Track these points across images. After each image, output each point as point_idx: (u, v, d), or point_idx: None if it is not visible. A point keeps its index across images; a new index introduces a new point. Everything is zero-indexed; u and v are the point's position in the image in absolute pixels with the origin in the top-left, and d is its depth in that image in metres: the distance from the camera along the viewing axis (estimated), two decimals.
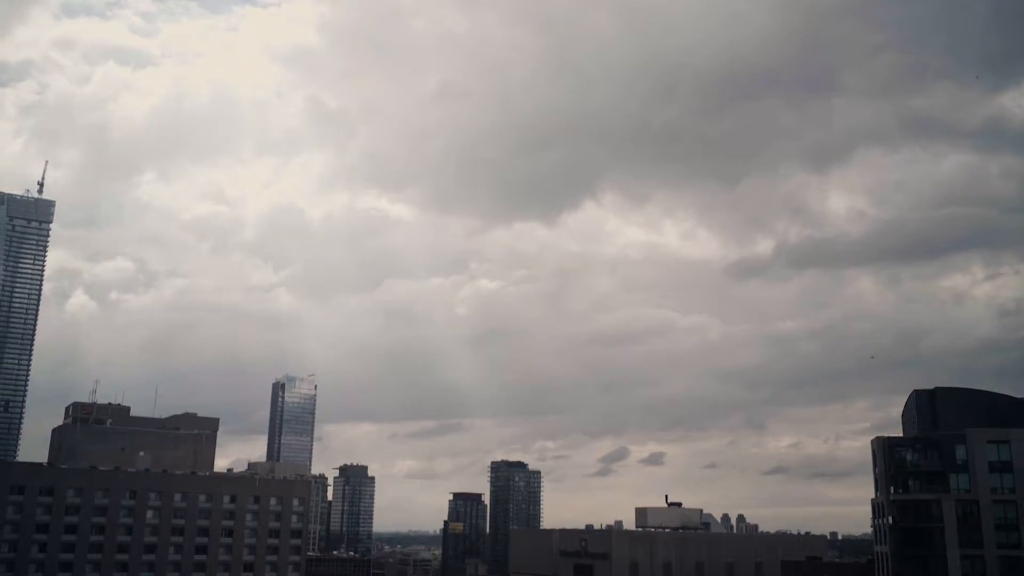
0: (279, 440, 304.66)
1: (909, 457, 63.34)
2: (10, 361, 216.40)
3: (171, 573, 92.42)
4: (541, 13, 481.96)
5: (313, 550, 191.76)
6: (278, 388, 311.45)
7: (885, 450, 64.04)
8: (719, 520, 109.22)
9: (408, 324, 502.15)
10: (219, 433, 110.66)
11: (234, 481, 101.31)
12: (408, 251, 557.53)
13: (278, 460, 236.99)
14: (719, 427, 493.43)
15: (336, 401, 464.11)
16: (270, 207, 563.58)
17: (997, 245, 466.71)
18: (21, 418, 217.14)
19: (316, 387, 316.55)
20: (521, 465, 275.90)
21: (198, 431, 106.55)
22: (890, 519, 62.21)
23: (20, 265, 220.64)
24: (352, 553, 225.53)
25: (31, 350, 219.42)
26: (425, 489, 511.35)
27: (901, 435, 67.96)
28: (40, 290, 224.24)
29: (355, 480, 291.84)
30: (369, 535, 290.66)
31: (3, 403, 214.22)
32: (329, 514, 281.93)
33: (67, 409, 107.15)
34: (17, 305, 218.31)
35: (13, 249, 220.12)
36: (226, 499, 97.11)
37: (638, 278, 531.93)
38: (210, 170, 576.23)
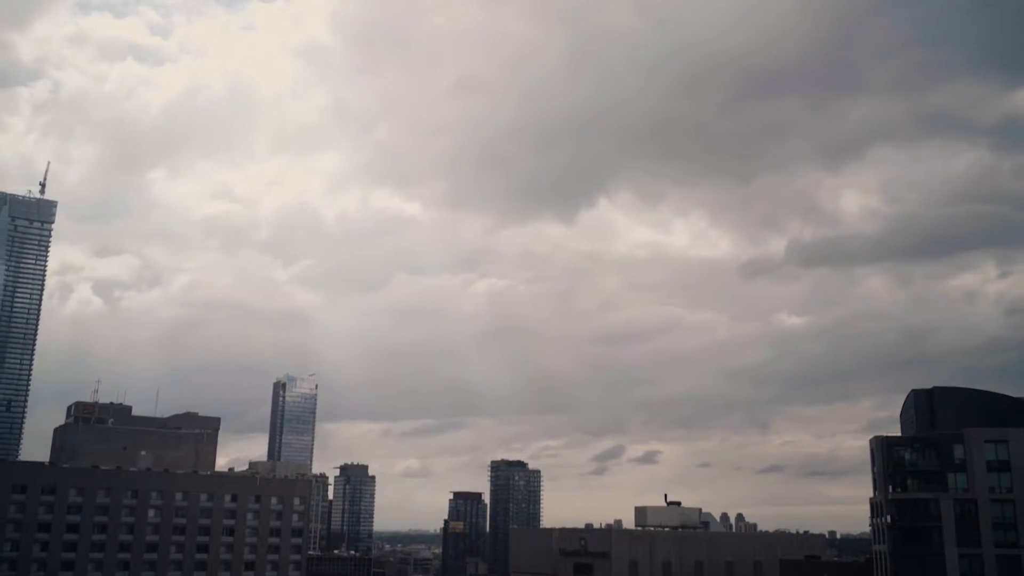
0: (280, 439, 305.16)
1: (907, 456, 63.61)
2: (12, 361, 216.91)
3: (173, 572, 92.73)
4: (560, 7, 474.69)
5: (314, 549, 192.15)
6: (279, 387, 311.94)
7: (883, 449, 64.30)
8: (718, 519, 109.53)
9: (414, 323, 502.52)
10: (220, 432, 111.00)
11: (235, 480, 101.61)
12: (420, 249, 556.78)
13: (279, 459, 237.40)
14: (722, 426, 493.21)
15: (337, 400, 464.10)
16: (282, 204, 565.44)
17: (1011, 243, 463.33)
18: (23, 417, 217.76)
19: (317, 386, 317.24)
20: (521, 464, 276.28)
21: (199, 430, 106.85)
22: (888, 518, 62.48)
23: (22, 265, 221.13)
24: (353, 552, 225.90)
25: (33, 350, 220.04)
26: (425, 488, 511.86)
27: (900, 435, 68.25)
28: (42, 290, 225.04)
29: (356, 479, 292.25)
30: (370, 534, 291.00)
31: (5, 402, 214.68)
32: (330, 513, 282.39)
33: (69, 409, 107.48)
34: (19, 305, 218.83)
35: (15, 249, 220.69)
36: (227, 498, 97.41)
37: (648, 277, 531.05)
38: (221, 167, 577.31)
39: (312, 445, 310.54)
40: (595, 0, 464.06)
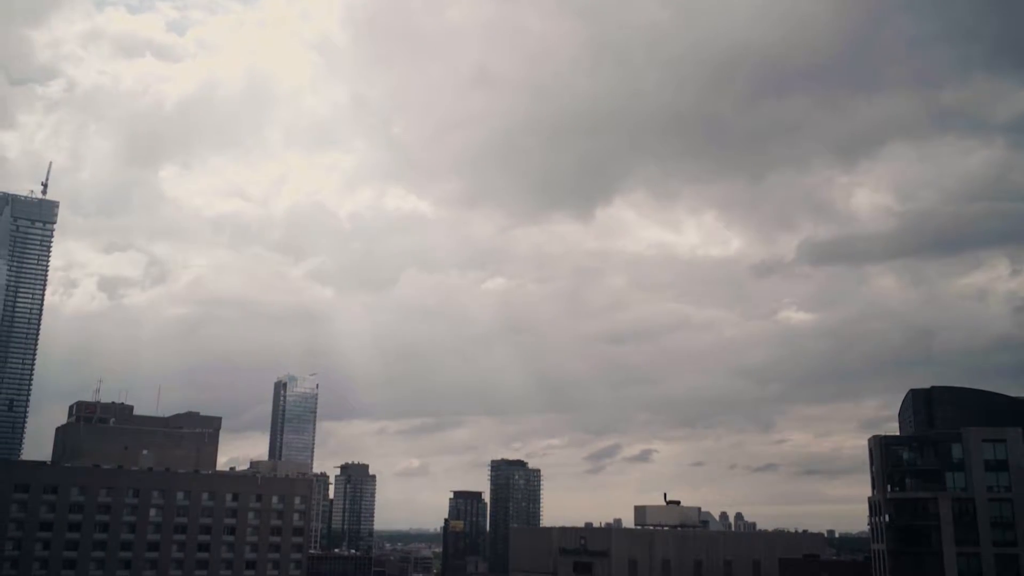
0: (281, 438, 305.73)
1: (906, 456, 63.91)
2: (14, 361, 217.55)
3: (174, 571, 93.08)
4: (578, 2, 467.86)
5: (315, 548, 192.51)
6: (280, 387, 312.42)
7: (882, 449, 64.58)
8: (717, 518, 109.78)
9: (420, 321, 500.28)
10: (222, 430, 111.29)
11: (236, 480, 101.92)
12: (431, 247, 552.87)
13: (280, 458, 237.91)
14: (725, 425, 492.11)
15: (339, 398, 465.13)
16: (293, 201, 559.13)
17: None
18: (25, 417, 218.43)
19: (318, 386, 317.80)
20: (521, 464, 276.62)
21: (201, 430, 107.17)
22: (887, 517, 62.74)
23: (24, 265, 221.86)
24: (353, 551, 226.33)
25: (35, 350, 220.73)
26: (426, 487, 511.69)
27: (898, 434, 68.47)
28: (44, 290, 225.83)
29: (356, 478, 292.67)
30: (370, 533, 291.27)
31: (7, 402, 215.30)
32: (331, 512, 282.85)
33: (71, 408, 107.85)
34: (21, 305, 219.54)
35: (17, 249, 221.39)
36: (229, 497, 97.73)
37: (658, 276, 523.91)
38: (232, 163, 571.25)
39: (313, 444, 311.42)
40: None
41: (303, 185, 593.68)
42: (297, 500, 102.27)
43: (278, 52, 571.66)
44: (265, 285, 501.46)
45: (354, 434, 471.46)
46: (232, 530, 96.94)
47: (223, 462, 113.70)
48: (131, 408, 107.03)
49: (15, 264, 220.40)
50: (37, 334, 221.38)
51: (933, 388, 67.76)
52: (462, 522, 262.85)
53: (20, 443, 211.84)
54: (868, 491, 67.11)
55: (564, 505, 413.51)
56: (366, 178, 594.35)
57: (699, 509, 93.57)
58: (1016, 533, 58.00)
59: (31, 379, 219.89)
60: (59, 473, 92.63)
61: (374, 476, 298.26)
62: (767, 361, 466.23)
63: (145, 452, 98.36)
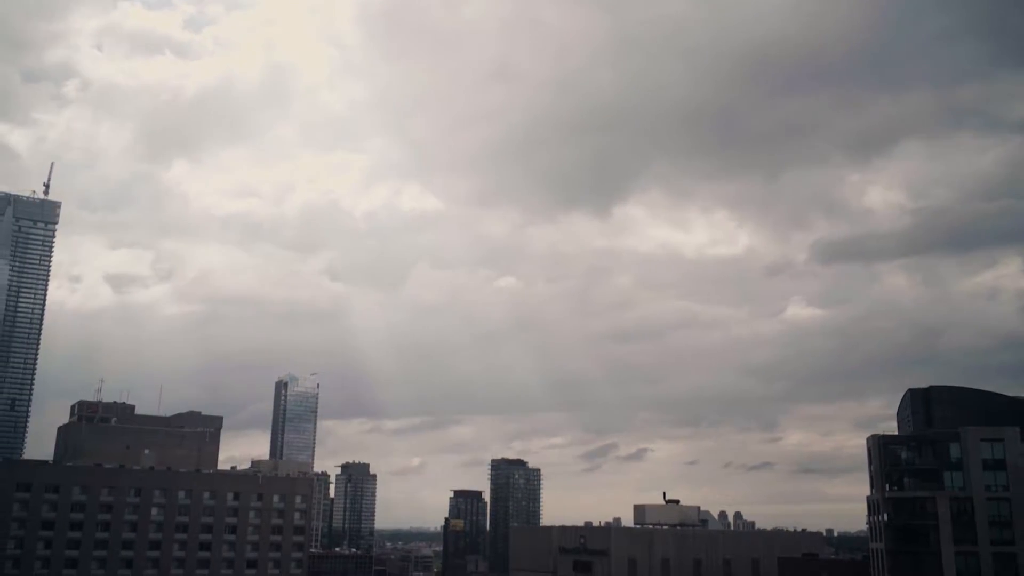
0: (282, 437, 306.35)
1: (904, 455, 64.14)
2: (16, 360, 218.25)
3: (175, 570, 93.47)
4: None
5: (316, 547, 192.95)
6: (281, 386, 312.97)
7: (880, 448, 64.81)
8: (716, 517, 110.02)
9: (427, 320, 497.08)
10: (223, 429, 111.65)
11: (238, 479, 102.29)
12: (443, 245, 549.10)
13: (281, 458, 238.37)
14: (729, 424, 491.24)
15: (341, 397, 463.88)
16: (306, 199, 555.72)
17: None
18: (27, 416, 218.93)
19: (319, 385, 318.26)
20: (521, 463, 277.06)
21: (202, 429, 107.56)
22: (885, 516, 62.96)
23: (26, 265, 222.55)
24: (354, 550, 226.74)
25: (37, 349, 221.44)
26: (426, 486, 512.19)
27: (896, 433, 68.72)
28: (46, 290, 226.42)
29: (357, 477, 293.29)
30: (371, 532, 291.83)
31: (9, 401, 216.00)
32: (331, 511, 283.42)
33: (73, 407, 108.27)
34: (23, 305, 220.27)
35: (19, 250, 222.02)
36: (230, 496, 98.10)
37: (668, 274, 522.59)
38: (244, 161, 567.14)
39: (314, 443, 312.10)
40: None
41: (316, 182, 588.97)
42: (298, 499, 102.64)
43: (294, 48, 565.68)
44: (274, 283, 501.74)
45: (355, 433, 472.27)
46: (233, 529, 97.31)
47: (224, 459, 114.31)
48: (133, 408, 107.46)
49: (17, 264, 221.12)
50: (39, 334, 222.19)
51: (931, 387, 67.96)
52: (462, 521, 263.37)
53: (22, 442, 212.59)
54: (867, 490, 67.43)
55: (564, 504, 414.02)
56: (381, 176, 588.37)
57: (698, 508, 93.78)
58: (1014, 532, 58.19)
59: (33, 379, 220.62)
60: (61, 472, 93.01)
61: (374, 475, 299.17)
62: (773, 360, 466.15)
63: (147, 451, 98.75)
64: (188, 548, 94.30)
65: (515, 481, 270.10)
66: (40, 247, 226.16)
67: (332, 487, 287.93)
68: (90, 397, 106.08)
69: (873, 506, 66.39)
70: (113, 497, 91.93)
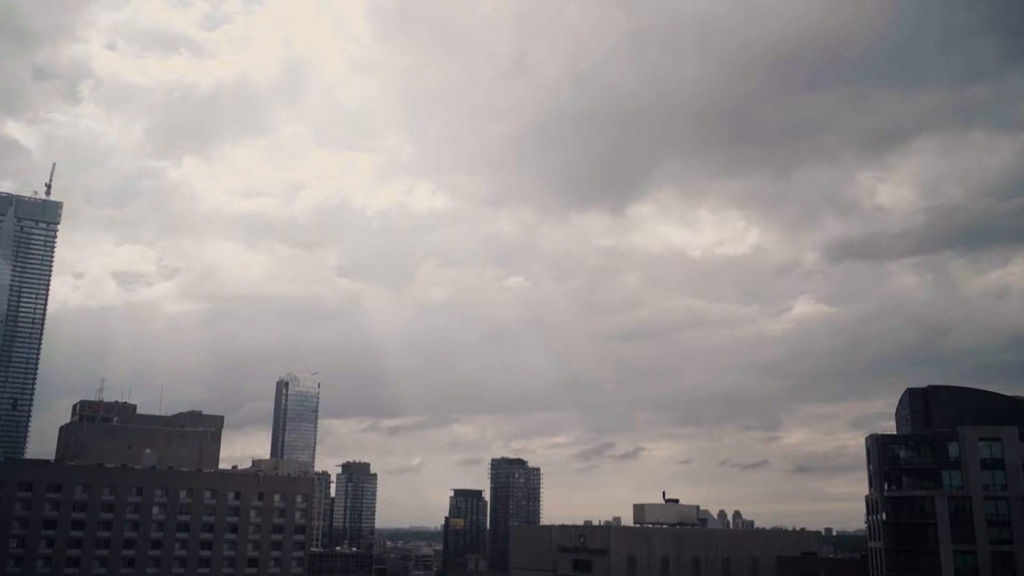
0: (283, 437, 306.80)
1: (902, 454, 64.46)
2: (18, 360, 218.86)
3: (177, 568, 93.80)
4: None
5: (316, 546, 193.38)
6: (282, 386, 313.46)
7: (879, 447, 65.08)
8: (716, 516, 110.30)
9: (431, 320, 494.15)
10: (225, 427, 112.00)
11: (239, 478, 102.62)
12: (455, 244, 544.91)
13: (282, 457, 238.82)
14: (732, 423, 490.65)
15: (342, 396, 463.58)
16: (316, 197, 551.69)
17: None
18: (29, 416, 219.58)
19: (319, 385, 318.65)
20: (521, 462, 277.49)
21: (203, 429, 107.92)
22: (884, 515, 63.25)
23: (28, 265, 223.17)
24: (355, 549, 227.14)
25: (39, 349, 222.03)
26: (427, 485, 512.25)
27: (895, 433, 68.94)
28: (48, 290, 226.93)
29: (357, 476, 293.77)
30: (371, 531, 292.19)
31: (11, 401, 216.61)
32: (332, 510, 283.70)
33: (74, 407, 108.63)
34: (25, 305, 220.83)
35: (21, 250, 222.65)
36: (231, 496, 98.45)
37: (678, 273, 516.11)
38: (254, 159, 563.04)
39: (315, 443, 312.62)
40: None
41: (326, 180, 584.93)
42: (299, 498, 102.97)
43: (307, 46, 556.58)
44: (281, 281, 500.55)
45: (356, 432, 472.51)
46: (235, 528, 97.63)
47: (224, 458, 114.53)
48: (134, 407, 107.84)
49: (19, 264, 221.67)
50: (41, 334, 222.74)
51: (929, 387, 68.20)
52: (463, 520, 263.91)
53: (24, 442, 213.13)
54: (866, 490, 67.65)
55: (564, 503, 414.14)
56: (392, 173, 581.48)
57: (697, 507, 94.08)
58: (1012, 531, 58.47)
59: (35, 378, 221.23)
60: (63, 472, 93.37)
61: (375, 474, 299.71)
62: (779, 359, 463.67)
63: (148, 451, 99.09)
64: (189, 547, 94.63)
65: (515, 480, 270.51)
66: (42, 247, 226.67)
67: (333, 486, 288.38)
68: (92, 397, 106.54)
69: (872, 505, 66.66)
70: (115, 496, 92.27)
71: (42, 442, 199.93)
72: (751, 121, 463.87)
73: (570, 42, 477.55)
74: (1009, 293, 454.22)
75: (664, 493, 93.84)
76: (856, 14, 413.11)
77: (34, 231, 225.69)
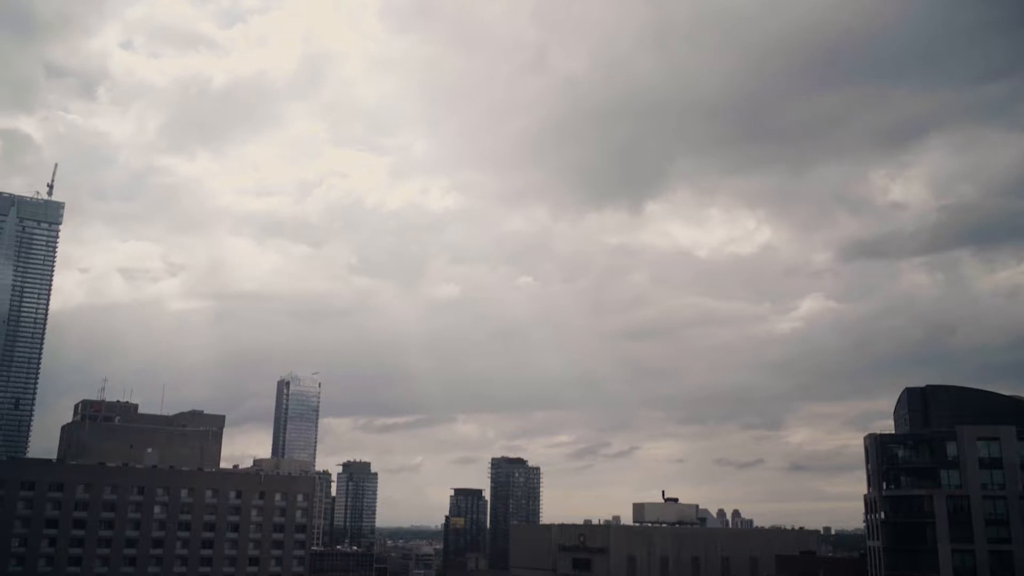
0: (284, 436, 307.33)
1: (901, 453, 64.67)
2: (20, 360, 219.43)
3: (178, 567, 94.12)
4: None
5: (317, 545, 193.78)
6: (283, 385, 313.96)
7: (878, 446, 65.30)
8: (715, 515, 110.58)
9: (437, 319, 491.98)
10: (227, 426, 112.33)
11: (240, 478, 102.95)
12: (466, 242, 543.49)
13: (283, 456, 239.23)
14: (735, 422, 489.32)
15: (344, 395, 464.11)
16: (327, 196, 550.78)
17: None
18: (31, 415, 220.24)
19: (320, 384, 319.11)
20: (521, 462, 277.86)
21: (204, 428, 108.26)
22: (882, 514, 63.48)
23: (30, 265, 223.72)
24: (355, 548, 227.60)
25: (41, 349, 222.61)
26: (427, 485, 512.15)
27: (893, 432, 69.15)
28: (50, 290, 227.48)
29: (358, 476, 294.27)
30: (372, 530, 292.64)
31: (14, 400, 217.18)
32: (333, 509, 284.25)
33: (76, 407, 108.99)
34: (27, 305, 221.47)
35: (23, 250, 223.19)
36: (232, 495, 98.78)
37: (688, 271, 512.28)
38: (262, 156, 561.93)
39: (315, 442, 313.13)
40: None
41: (339, 178, 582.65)
42: (300, 497, 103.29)
43: (322, 43, 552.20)
44: (289, 279, 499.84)
45: (356, 431, 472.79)
46: (236, 527, 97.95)
47: (226, 456, 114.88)
48: (136, 407, 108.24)
49: (21, 264, 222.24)
50: (43, 334, 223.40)
51: (928, 387, 68.38)
52: (463, 519, 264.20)
53: (26, 441, 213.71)
54: (865, 489, 67.86)
55: (564, 502, 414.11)
56: (406, 172, 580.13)
57: (697, 506, 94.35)
58: (1010, 530, 58.65)
59: (37, 378, 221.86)
60: (65, 471, 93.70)
61: (376, 473, 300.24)
62: (788, 357, 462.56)
63: (149, 450, 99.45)
64: (191, 546, 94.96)
65: (515, 480, 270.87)
66: (44, 247, 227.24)
67: (334, 485, 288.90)
68: (94, 396, 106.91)
69: (870, 504, 66.88)
70: (116, 495, 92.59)
71: (44, 441, 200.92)
72: (766, 118, 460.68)
73: (588, 36, 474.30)
74: (1020, 292, 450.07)
75: (663, 492, 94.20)
76: (872, 11, 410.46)
77: (36, 231, 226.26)
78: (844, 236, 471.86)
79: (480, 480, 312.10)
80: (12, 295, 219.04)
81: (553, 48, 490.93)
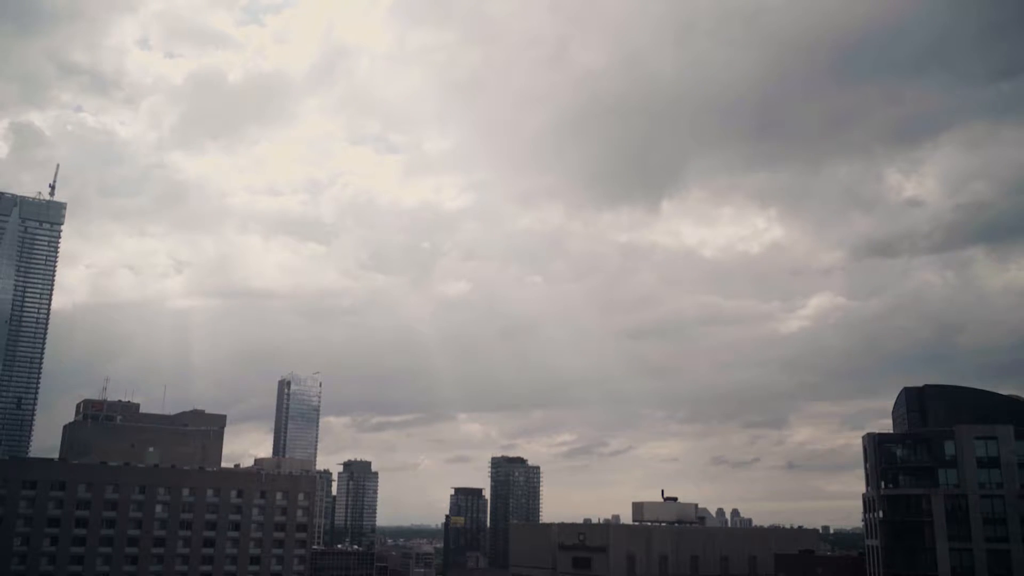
0: (285, 436, 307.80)
1: (899, 453, 64.94)
2: (22, 359, 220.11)
3: (179, 566, 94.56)
4: None
5: (318, 544, 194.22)
6: (284, 385, 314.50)
7: (876, 446, 65.58)
8: (714, 514, 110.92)
9: (441, 318, 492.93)
10: (228, 425, 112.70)
11: (241, 477, 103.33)
12: (476, 241, 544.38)
13: (284, 455, 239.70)
14: (738, 421, 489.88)
15: (345, 394, 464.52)
16: (339, 193, 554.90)
17: None
18: (33, 414, 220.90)
19: (321, 384, 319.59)
20: (521, 461, 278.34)
21: (206, 428, 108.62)
22: (881, 513, 63.76)
23: (32, 265, 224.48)
24: (356, 547, 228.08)
25: (43, 348, 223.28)
26: (427, 484, 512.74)
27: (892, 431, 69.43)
28: (52, 290, 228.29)
29: (359, 475, 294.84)
30: (372, 529, 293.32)
31: (16, 400, 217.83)
32: (333, 508, 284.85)
33: (78, 406, 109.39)
34: (29, 305, 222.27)
35: (25, 250, 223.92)
36: (233, 494, 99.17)
37: (698, 270, 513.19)
38: (270, 154, 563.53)
39: (316, 441, 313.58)
40: None
41: (350, 176, 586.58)
42: (300, 497, 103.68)
43: (336, 41, 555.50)
44: (296, 277, 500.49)
45: (357, 430, 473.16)
46: (237, 526, 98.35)
47: (227, 454, 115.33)
48: (137, 406, 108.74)
49: (23, 265, 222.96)
50: (45, 333, 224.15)
51: (926, 386, 68.55)
52: (463, 518, 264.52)
53: (28, 440, 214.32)
54: (863, 487, 68.13)
55: (564, 501, 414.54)
56: (419, 169, 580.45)
57: (696, 505, 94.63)
58: (1008, 529, 58.91)
59: (39, 377, 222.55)
60: (67, 470, 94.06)
61: (376, 473, 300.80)
62: (794, 356, 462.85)
63: (151, 449, 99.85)
64: (192, 545, 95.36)
65: (515, 479, 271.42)
66: (46, 247, 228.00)
67: (334, 484, 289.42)
68: (96, 395, 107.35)
69: (869, 503, 67.15)
70: (118, 495, 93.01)
71: (46, 440, 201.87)
72: (781, 115, 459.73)
73: (607, 30, 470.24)
74: None
75: (663, 491, 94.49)
76: (887, 9, 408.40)
77: (38, 232, 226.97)
78: (857, 234, 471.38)
79: (480, 479, 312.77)
80: (15, 295, 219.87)
81: (571, 43, 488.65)
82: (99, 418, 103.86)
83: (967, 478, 60.37)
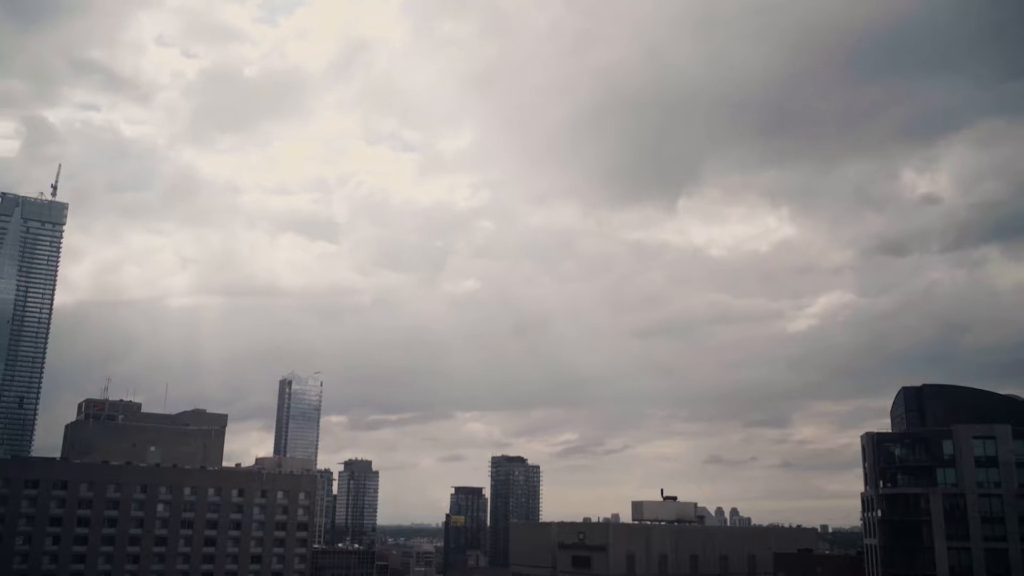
0: (286, 435, 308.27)
1: (897, 452, 65.13)
2: (24, 359, 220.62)
3: (181, 565, 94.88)
4: None
5: (319, 543, 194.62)
6: (285, 384, 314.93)
7: (874, 445, 65.78)
8: (713, 513, 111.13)
9: (445, 317, 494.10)
10: (230, 423, 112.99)
11: (242, 476, 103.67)
12: (485, 240, 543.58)
13: (285, 455, 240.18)
14: (740, 421, 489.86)
15: (345, 393, 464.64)
16: (350, 192, 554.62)
17: None
18: (35, 414, 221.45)
19: (322, 384, 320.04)
20: (521, 460, 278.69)
21: (207, 427, 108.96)
22: (879, 512, 63.97)
23: (34, 265, 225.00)
24: (356, 546, 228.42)
25: (45, 348, 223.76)
26: (428, 483, 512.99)
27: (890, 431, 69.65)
28: (53, 290, 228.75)
29: (359, 474, 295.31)
30: (373, 528, 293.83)
31: (18, 399, 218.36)
32: (334, 507, 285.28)
33: (80, 406, 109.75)
34: (31, 305, 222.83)
35: (27, 250, 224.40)
36: (234, 493, 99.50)
37: (708, 269, 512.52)
38: (282, 151, 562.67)
39: (317, 440, 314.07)
40: None
41: (362, 174, 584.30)
42: (301, 496, 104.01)
43: (351, 39, 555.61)
44: (304, 275, 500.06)
45: (358, 429, 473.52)
46: (238, 525, 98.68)
47: (228, 452, 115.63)
48: (139, 405, 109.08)
49: (25, 265, 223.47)
50: (47, 333, 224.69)
51: (924, 386, 68.75)
52: (463, 517, 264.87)
53: (30, 439, 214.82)
54: (862, 487, 68.34)
55: (563, 500, 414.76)
56: (433, 167, 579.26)
57: (695, 504, 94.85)
58: (1006, 528, 59.12)
59: (41, 377, 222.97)
60: (68, 469, 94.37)
61: (377, 472, 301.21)
62: (800, 355, 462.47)
63: (153, 449, 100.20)
64: (193, 544, 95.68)
65: (515, 478, 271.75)
66: (48, 247, 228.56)
67: (335, 484, 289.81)
68: (97, 394, 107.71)
69: (867, 502, 67.36)
70: (120, 494, 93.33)
71: (48, 440, 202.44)
72: (795, 112, 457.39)
73: (625, 26, 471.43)
74: None
75: (662, 491, 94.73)
76: (900, 6, 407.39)
77: (40, 232, 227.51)
78: (868, 233, 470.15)
79: (481, 478, 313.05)
80: (16, 295, 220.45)
81: (588, 37, 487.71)
82: (101, 417, 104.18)
83: (965, 477, 60.56)
